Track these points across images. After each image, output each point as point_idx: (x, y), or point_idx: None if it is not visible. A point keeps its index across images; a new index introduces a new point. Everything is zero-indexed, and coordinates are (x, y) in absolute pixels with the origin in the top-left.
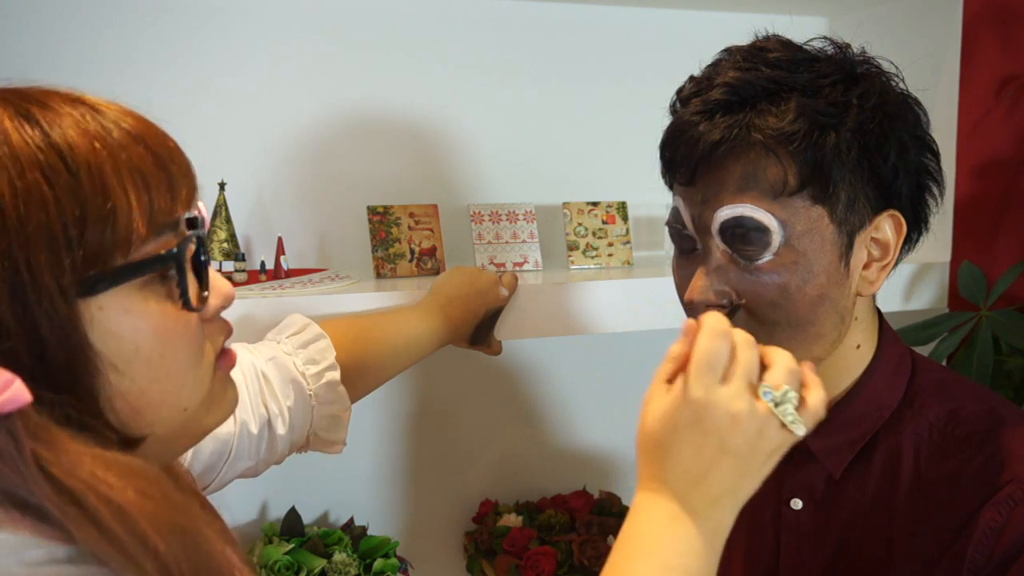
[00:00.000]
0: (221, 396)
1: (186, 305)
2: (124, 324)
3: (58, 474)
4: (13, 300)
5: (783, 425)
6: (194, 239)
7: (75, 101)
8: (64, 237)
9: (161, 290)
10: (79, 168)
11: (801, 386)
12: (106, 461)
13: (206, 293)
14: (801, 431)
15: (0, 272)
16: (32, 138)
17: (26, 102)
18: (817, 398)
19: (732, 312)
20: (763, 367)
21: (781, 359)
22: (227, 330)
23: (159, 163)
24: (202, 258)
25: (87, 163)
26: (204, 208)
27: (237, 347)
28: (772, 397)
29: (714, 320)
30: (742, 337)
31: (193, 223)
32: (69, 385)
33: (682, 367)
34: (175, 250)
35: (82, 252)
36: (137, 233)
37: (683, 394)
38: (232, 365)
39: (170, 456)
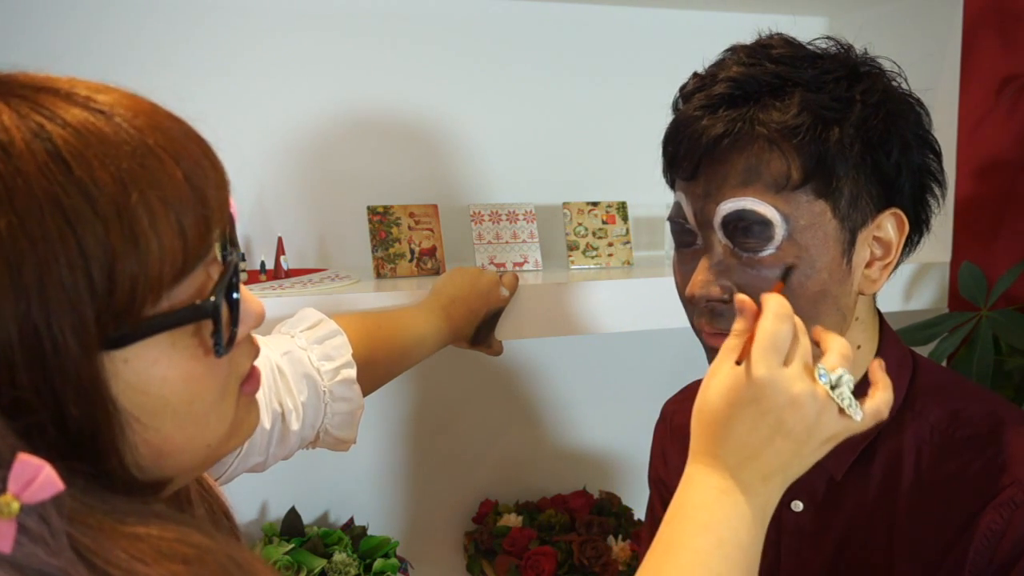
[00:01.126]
0: (245, 419)
1: (218, 353)
2: (152, 376)
3: (99, 564)
4: (32, 368)
5: (841, 412)
6: (232, 270)
7: (86, 108)
8: (88, 291)
9: (192, 336)
10: (104, 207)
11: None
12: (150, 543)
13: (236, 328)
14: (858, 416)
15: (19, 339)
16: (51, 170)
17: (37, 113)
18: (882, 399)
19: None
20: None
21: (836, 344)
22: (254, 351)
23: (193, 187)
24: (235, 296)
25: (112, 199)
26: (234, 207)
27: None
28: (828, 380)
29: (778, 303)
30: (800, 322)
31: (230, 225)
32: (94, 447)
33: (747, 344)
34: (212, 299)
35: (109, 305)
36: (168, 275)
37: (746, 372)
38: (257, 388)
39: (190, 479)
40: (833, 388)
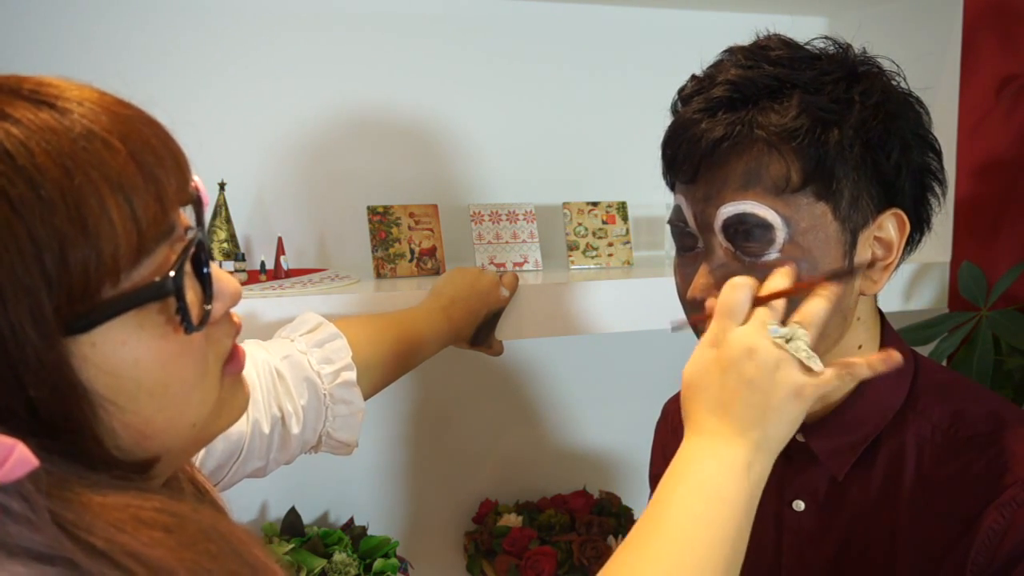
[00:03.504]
0: (231, 400)
1: (188, 329)
2: (121, 358)
3: (83, 535)
4: None
5: (802, 364)
6: (194, 246)
7: (38, 103)
8: (43, 279)
9: (159, 314)
10: (47, 187)
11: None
12: (130, 512)
13: (209, 306)
14: (818, 365)
15: None
16: None
17: None
18: (860, 359)
19: None
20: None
21: (805, 307)
22: (234, 329)
23: (141, 167)
24: (204, 271)
25: (55, 181)
26: (201, 185)
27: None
28: (780, 333)
29: (739, 277)
30: (765, 287)
31: (197, 207)
32: (69, 428)
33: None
34: (172, 274)
35: (65, 291)
36: (125, 256)
37: (707, 339)
38: (241, 368)
39: (181, 463)
40: (788, 342)
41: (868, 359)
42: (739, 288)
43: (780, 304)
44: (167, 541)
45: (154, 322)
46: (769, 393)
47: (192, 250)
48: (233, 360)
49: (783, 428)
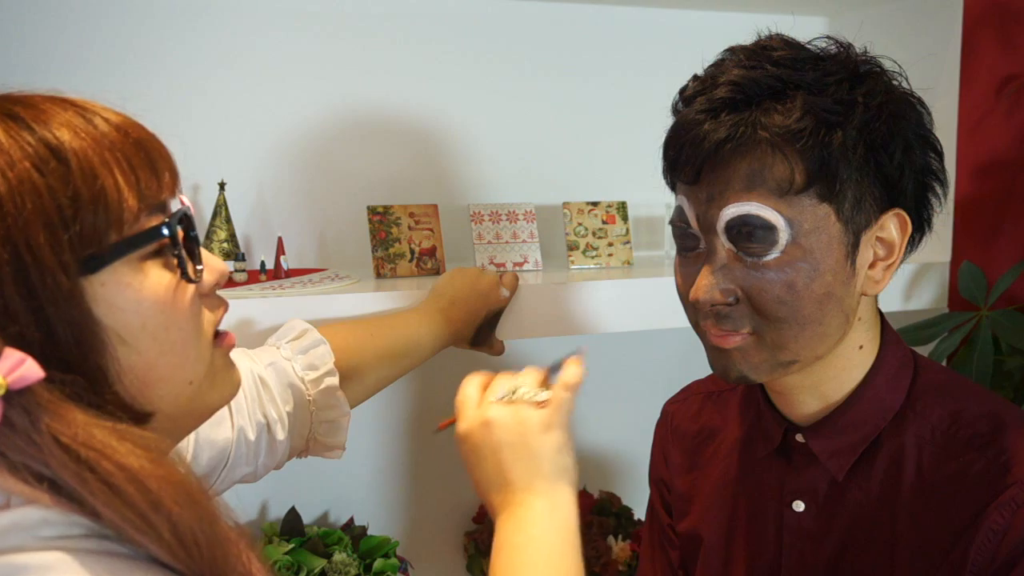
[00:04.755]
0: (225, 374)
1: (184, 275)
2: (127, 298)
3: (72, 444)
4: (18, 282)
5: (536, 403)
6: (182, 216)
7: (57, 100)
8: (60, 219)
9: (158, 265)
10: (67, 156)
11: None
12: (118, 432)
13: (200, 267)
14: (543, 396)
15: (3, 257)
16: (19, 134)
17: (10, 103)
18: (568, 371)
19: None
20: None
21: (501, 378)
22: (223, 305)
23: (141, 149)
24: (192, 233)
25: (74, 151)
26: (187, 202)
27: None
28: (501, 395)
29: (468, 380)
30: (498, 376)
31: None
32: (79, 362)
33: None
34: (167, 221)
35: (78, 231)
36: (128, 211)
37: (458, 439)
38: (232, 345)
39: (177, 435)
40: (513, 394)
41: (571, 368)
42: (467, 385)
43: (502, 383)
44: (148, 461)
45: (154, 269)
46: (525, 440)
47: (183, 219)
48: (225, 335)
49: (559, 459)
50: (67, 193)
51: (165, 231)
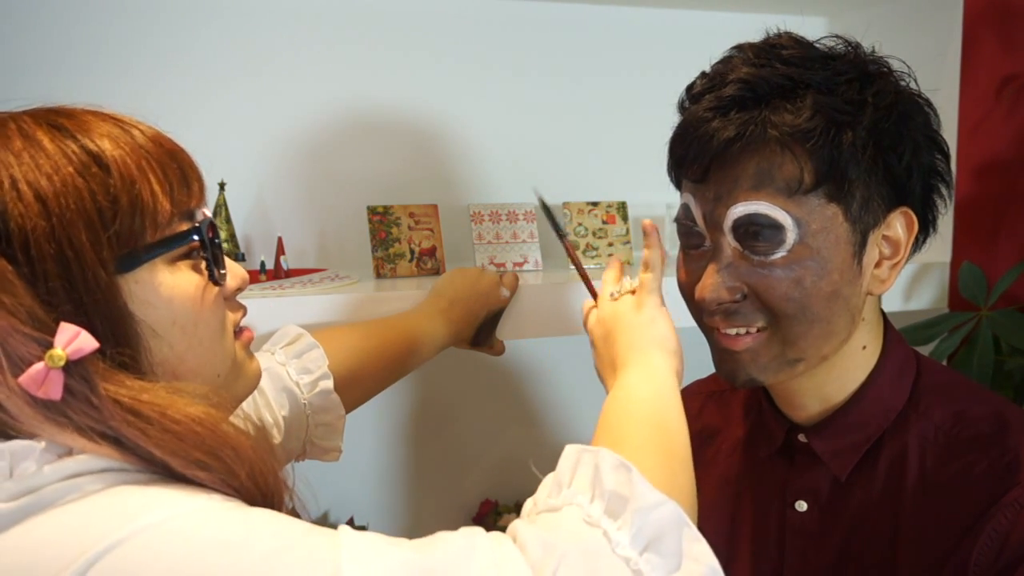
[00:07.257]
0: (247, 365)
1: (211, 277)
2: (159, 295)
3: (131, 403)
4: (61, 275)
5: (633, 293)
6: (209, 223)
7: (98, 113)
8: (100, 219)
9: (187, 266)
10: (107, 163)
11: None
12: (172, 387)
13: (223, 271)
14: (632, 284)
15: (48, 251)
16: (64, 142)
17: (55, 115)
18: (647, 255)
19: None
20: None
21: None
22: (242, 308)
23: (174, 160)
24: (217, 240)
25: (114, 159)
26: (208, 213)
27: None
28: (612, 292)
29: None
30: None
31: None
32: (116, 344)
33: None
34: (197, 227)
35: (117, 231)
36: (163, 215)
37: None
38: (251, 339)
39: None
40: (616, 295)
41: (649, 251)
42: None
43: (613, 276)
44: (206, 416)
45: (184, 272)
46: (622, 326)
47: (208, 224)
48: (243, 331)
49: (650, 330)
50: (107, 196)
51: (195, 236)
